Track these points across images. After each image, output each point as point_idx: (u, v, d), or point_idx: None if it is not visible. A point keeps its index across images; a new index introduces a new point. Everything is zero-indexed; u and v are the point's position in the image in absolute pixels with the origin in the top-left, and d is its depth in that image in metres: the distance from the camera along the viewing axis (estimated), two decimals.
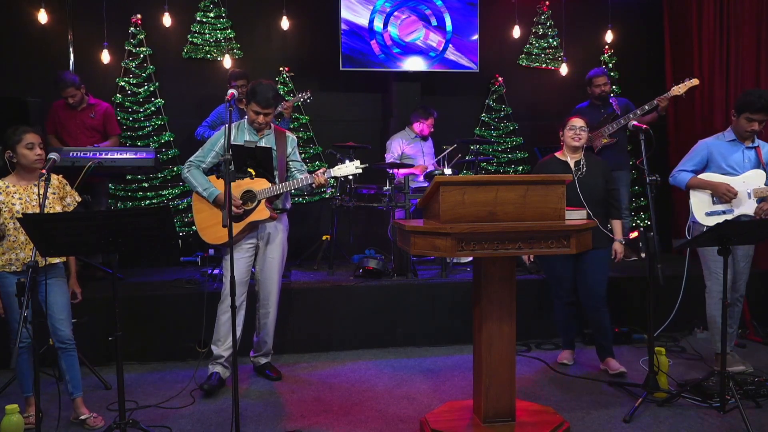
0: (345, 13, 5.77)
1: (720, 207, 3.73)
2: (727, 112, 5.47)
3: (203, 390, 3.61)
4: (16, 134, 3.08)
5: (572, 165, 3.85)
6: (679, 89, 4.77)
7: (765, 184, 3.69)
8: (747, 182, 3.71)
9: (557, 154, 3.96)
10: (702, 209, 3.77)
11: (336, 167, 3.67)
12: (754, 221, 3.68)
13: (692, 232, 3.84)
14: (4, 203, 3.06)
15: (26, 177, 3.15)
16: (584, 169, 3.82)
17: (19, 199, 3.10)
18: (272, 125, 3.83)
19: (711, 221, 3.70)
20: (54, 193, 3.16)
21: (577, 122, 3.84)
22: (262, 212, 3.61)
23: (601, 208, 3.78)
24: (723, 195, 3.68)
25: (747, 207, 3.69)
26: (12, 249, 3.06)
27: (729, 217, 3.67)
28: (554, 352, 4.34)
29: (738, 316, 3.95)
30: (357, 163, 3.65)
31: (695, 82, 4.77)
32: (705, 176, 3.79)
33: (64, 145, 4.82)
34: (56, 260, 3.14)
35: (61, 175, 3.27)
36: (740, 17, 5.47)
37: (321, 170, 3.62)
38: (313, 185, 3.64)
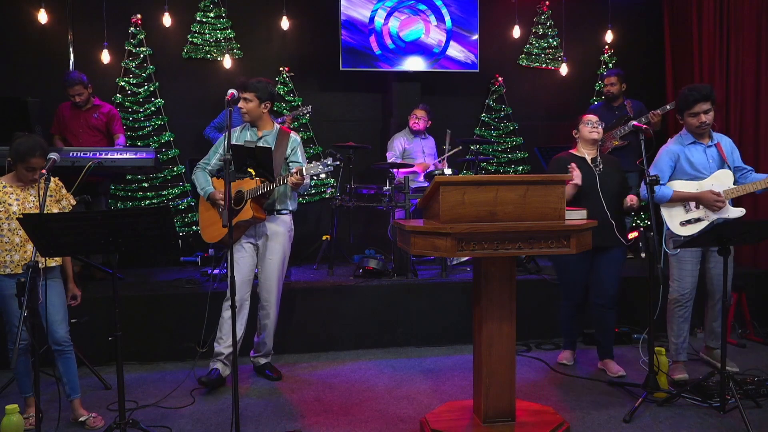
0: (345, 10, 5.78)
1: (693, 215, 3.66)
2: (727, 112, 5.48)
3: (202, 383, 3.62)
4: (23, 154, 3.00)
5: (589, 161, 3.82)
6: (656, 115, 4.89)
7: (734, 184, 3.66)
8: (716, 184, 3.64)
9: (573, 151, 3.92)
10: (676, 219, 3.70)
11: (309, 165, 3.53)
12: (755, 221, 3.68)
13: (671, 242, 3.74)
14: (1, 202, 3.06)
15: (23, 179, 3.13)
16: (601, 166, 3.80)
17: (16, 199, 3.09)
18: (276, 125, 3.83)
19: (686, 231, 3.66)
20: (51, 196, 3.15)
21: (592, 117, 3.85)
22: (245, 213, 3.60)
23: (617, 206, 3.75)
24: (713, 205, 3.60)
25: (722, 210, 3.62)
26: (6, 251, 3.05)
27: (705, 223, 3.63)
28: (554, 352, 4.34)
29: (719, 315, 3.86)
30: (329, 160, 3.51)
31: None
32: (680, 186, 3.68)
33: (67, 145, 4.83)
34: (53, 263, 3.14)
35: (56, 178, 3.25)
36: (740, 17, 5.47)
37: (296, 169, 3.52)
38: (288, 184, 3.55)
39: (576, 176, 3.64)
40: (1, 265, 3.06)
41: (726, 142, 3.78)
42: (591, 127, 3.82)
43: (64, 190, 3.26)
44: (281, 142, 3.77)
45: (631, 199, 3.72)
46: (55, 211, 3.16)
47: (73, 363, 3.21)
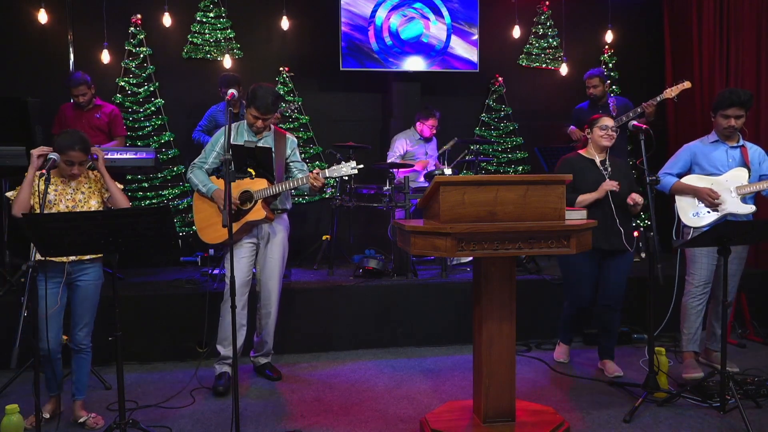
0: (346, 6, 5.78)
1: (704, 207, 3.75)
2: None
3: (218, 392, 3.61)
4: (63, 147, 3.03)
5: (599, 164, 3.77)
6: (671, 92, 4.74)
7: (749, 182, 3.71)
8: (730, 180, 3.73)
9: (581, 152, 3.87)
10: (688, 211, 3.80)
11: (332, 168, 3.64)
12: (755, 221, 3.69)
13: (682, 234, 3.85)
14: (38, 189, 3.07)
15: (63, 173, 3.13)
16: (609, 169, 3.76)
17: (55, 190, 3.11)
18: (272, 126, 3.83)
19: (696, 222, 3.76)
20: (90, 187, 3.19)
21: (609, 122, 3.76)
22: (258, 212, 3.61)
23: (624, 210, 3.73)
24: (705, 199, 3.71)
25: (731, 206, 3.70)
26: None
27: (715, 216, 3.71)
28: (554, 353, 4.33)
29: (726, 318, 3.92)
30: (353, 163, 3.61)
31: (687, 84, 4.73)
32: (688, 179, 3.82)
33: None
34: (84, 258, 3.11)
35: (95, 171, 3.26)
36: (740, 17, 5.48)
37: (316, 171, 3.57)
38: (311, 187, 3.60)
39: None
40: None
41: (755, 150, 3.82)
42: (605, 132, 3.73)
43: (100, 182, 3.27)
44: (280, 143, 3.77)
45: (632, 198, 3.65)
46: (94, 201, 3.18)
47: (87, 364, 3.23)
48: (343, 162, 3.64)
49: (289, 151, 3.82)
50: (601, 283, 3.86)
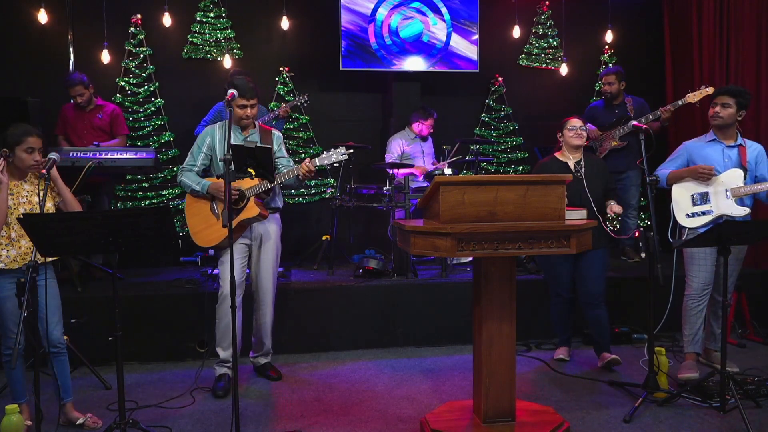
0: (346, 5, 5.77)
1: (700, 208, 3.74)
2: None
3: (218, 395, 3.60)
4: (20, 135, 2.98)
5: (572, 165, 3.90)
6: (693, 97, 4.72)
7: (745, 183, 3.69)
8: (725, 182, 3.71)
9: (557, 155, 4.00)
10: (682, 211, 3.80)
11: (322, 156, 3.59)
12: (754, 221, 3.69)
13: (679, 235, 3.84)
14: None
15: (17, 174, 3.08)
16: (583, 169, 3.86)
17: (10, 193, 3.04)
18: (257, 123, 3.82)
19: (691, 223, 3.75)
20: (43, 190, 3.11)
21: (577, 122, 3.91)
22: (251, 210, 3.60)
23: (599, 208, 3.83)
24: (701, 176, 3.68)
25: (726, 207, 3.68)
26: (2, 246, 3.00)
27: (709, 218, 3.70)
28: (554, 353, 4.33)
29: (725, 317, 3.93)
30: (342, 149, 3.56)
31: (709, 90, 4.71)
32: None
33: (71, 146, 4.83)
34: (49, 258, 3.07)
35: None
36: (740, 17, 5.47)
37: (307, 160, 3.55)
38: (299, 176, 3.56)
39: None
40: None
41: (754, 149, 3.81)
42: (575, 132, 3.88)
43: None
44: (266, 140, 3.77)
45: (611, 209, 3.76)
46: (50, 204, 3.11)
47: (67, 365, 3.19)
48: (333, 149, 3.59)
49: (275, 147, 3.80)
50: (578, 282, 3.95)
